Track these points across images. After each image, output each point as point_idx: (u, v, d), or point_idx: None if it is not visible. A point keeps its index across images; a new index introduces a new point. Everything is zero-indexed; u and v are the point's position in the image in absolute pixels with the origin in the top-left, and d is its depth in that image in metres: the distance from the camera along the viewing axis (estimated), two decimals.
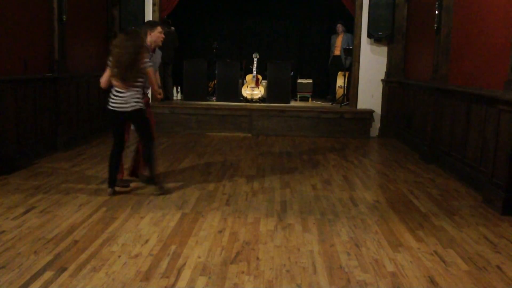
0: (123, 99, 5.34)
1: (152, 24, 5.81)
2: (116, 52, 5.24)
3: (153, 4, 10.08)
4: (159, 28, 5.72)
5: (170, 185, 5.93)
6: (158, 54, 5.97)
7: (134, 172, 6.12)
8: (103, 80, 5.41)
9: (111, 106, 5.38)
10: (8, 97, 6.41)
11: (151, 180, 5.74)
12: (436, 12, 7.51)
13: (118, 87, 5.35)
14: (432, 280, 3.56)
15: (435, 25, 7.58)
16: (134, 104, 5.38)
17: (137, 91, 5.40)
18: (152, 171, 5.70)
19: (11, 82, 6.50)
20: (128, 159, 6.25)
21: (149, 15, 10.06)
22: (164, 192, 5.61)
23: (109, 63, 5.31)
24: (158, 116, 9.96)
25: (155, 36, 5.70)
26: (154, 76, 5.55)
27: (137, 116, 5.47)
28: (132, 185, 5.90)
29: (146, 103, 5.73)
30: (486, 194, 5.52)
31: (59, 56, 7.75)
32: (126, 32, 5.42)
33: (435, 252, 4.09)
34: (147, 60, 5.39)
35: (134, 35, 5.33)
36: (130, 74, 5.26)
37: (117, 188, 5.60)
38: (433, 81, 7.67)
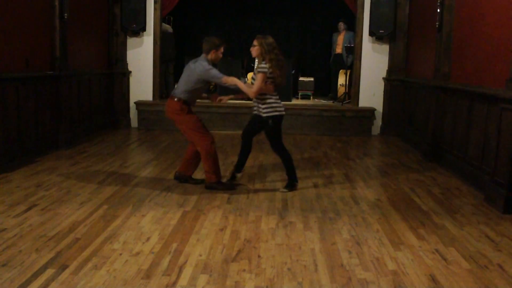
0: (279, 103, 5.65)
1: (218, 45, 5.66)
2: (279, 55, 5.49)
3: (155, 2, 10.08)
4: (222, 48, 5.70)
5: (171, 183, 5.93)
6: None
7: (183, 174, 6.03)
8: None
9: (280, 111, 5.63)
10: (9, 95, 6.41)
11: (292, 184, 5.87)
12: (438, 10, 7.49)
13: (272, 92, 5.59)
14: (433, 279, 3.56)
15: (437, 23, 7.56)
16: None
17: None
18: (292, 174, 5.89)
19: (12, 80, 6.50)
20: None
21: (150, 13, 10.06)
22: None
23: (268, 67, 5.43)
24: (159, 113, 9.98)
25: (218, 54, 5.67)
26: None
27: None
28: (133, 182, 5.91)
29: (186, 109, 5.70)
30: (488, 192, 5.51)
31: (61, 54, 7.75)
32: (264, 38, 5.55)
33: (437, 250, 4.09)
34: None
35: (269, 38, 5.54)
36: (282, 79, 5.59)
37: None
38: (434, 79, 7.66)
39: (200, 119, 5.82)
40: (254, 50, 5.57)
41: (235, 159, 7.33)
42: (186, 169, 5.97)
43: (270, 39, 5.50)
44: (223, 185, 5.79)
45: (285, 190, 5.77)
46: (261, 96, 5.54)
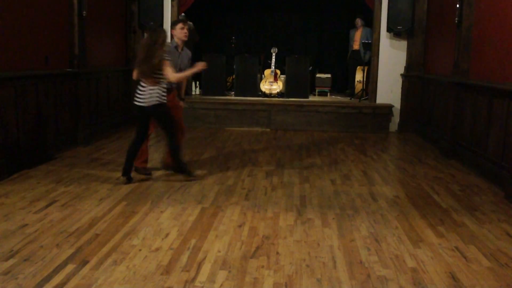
0: (144, 94, 5.58)
1: (173, 23, 6.10)
2: (136, 48, 5.52)
3: None
4: (180, 25, 5.99)
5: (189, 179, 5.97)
6: (186, 52, 6.20)
7: (167, 165, 6.29)
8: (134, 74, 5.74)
9: (136, 101, 5.64)
10: (29, 92, 6.48)
11: (179, 169, 5.96)
12: (457, 5, 7.42)
13: (142, 82, 5.61)
14: (453, 276, 3.53)
15: (456, 19, 7.49)
16: (154, 99, 5.54)
17: (158, 86, 5.55)
18: (178, 161, 5.92)
19: (32, 77, 6.57)
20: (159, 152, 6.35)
21: (167, 11, 10.09)
22: (195, 177, 5.95)
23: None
24: None
25: (177, 33, 6.01)
26: (171, 71, 5.58)
27: (157, 112, 5.62)
28: (151, 178, 5.94)
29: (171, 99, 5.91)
30: (508, 189, 5.45)
31: (79, 51, 7.81)
32: (148, 30, 5.67)
33: (456, 248, 4.06)
34: (164, 54, 5.53)
35: (151, 31, 5.69)
36: (145, 68, 5.51)
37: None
38: (453, 75, 7.58)
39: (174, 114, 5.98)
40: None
41: (252, 155, 7.36)
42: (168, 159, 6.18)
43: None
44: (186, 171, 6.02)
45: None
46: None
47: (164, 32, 5.66)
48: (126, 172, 5.75)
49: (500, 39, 6.24)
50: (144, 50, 5.56)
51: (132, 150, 5.77)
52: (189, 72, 5.89)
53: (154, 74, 5.52)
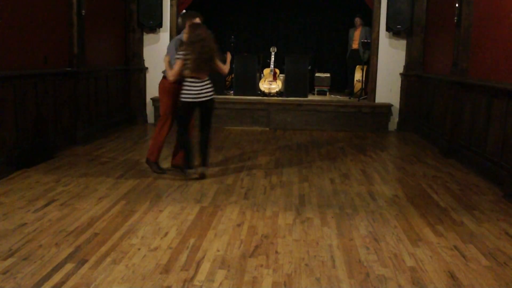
0: (204, 88, 5.80)
1: (188, 16, 5.98)
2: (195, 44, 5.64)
3: None
4: (198, 19, 5.94)
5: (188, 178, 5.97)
6: None
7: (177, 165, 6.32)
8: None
9: (197, 97, 5.76)
10: (28, 92, 6.48)
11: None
12: (457, 5, 7.42)
13: (194, 77, 5.73)
14: (452, 275, 3.54)
15: (455, 18, 7.49)
16: (212, 92, 5.90)
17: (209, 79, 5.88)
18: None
19: (31, 76, 6.57)
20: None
21: (167, 9, 10.09)
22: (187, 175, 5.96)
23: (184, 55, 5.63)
24: None
25: None
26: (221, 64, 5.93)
27: (212, 104, 5.95)
28: (150, 178, 5.95)
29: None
30: (507, 189, 5.46)
31: (78, 50, 7.81)
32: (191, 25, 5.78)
33: (455, 247, 4.06)
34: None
35: (200, 25, 5.82)
36: (206, 62, 5.74)
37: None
38: (452, 74, 7.59)
39: (172, 106, 6.06)
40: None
41: (251, 154, 7.36)
42: (179, 160, 6.18)
43: (199, 30, 5.72)
44: (159, 168, 6.18)
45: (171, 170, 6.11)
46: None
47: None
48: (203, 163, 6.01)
49: (499, 38, 6.24)
50: (200, 45, 5.62)
51: (187, 144, 5.94)
52: (228, 64, 6.10)
53: (210, 67, 5.75)
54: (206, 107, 5.85)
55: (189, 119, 5.94)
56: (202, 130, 5.99)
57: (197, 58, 5.61)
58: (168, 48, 6.07)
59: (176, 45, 5.86)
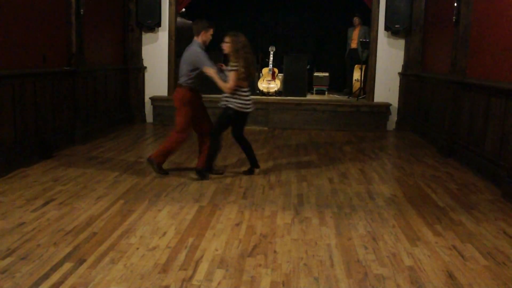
0: (250, 99, 5.91)
1: (207, 25, 5.93)
2: (248, 54, 5.75)
3: None
4: (211, 30, 5.96)
5: (187, 178, 5.96)
6: None
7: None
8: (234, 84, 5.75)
9: (247, 108, 5.87)
10: (27, 91, 6.47)
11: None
12: (455, 4, 7.43)
13: (243, 87, 5.82)
14: (450, 275, 3.54)
15: (454, 18, 7.49)
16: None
17: None
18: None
19: (30, 75, 6.56)
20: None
21: (165, 9, 10.08)
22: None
23: (237, 66, 5.65)
24: (175, 109, 9.99)
25: (208, 36, 5.96)
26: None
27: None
28: (148, 177, 5.95)
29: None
30: (505, 188, 5.46)
31: (77, 49, 7.80)
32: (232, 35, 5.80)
33: (454, 246, 4.06)
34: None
35: (240, 34, 5.84)
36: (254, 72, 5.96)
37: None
38: (451, 74, 7.59)
39: (193, 117, 6.04)
40: (226, 47, 5.78)
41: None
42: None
43: (242, 38, 5.76)
44: (160, 169, 6.11)
45: (196, 176, 5.96)
46: (235, 90, 5.80)
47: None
48: (255, 164, 6.22)
49: (498, 38, 6.24)
50: (251, 54, 5.81)
51: (248, 149, 6.13)
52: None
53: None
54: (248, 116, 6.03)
55: (228, 126, 6.05)
56: (242, 136, 6.15)
57: (247, 66, 5.70)
58: (204, 60, 5.78)
59: (206, 55, 5.84)
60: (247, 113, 5.92)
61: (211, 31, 5.93)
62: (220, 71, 5.87)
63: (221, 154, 7.23)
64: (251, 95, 6.00)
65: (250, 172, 6.22)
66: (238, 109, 5.80)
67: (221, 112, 5.93)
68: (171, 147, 6.06)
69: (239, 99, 5.78)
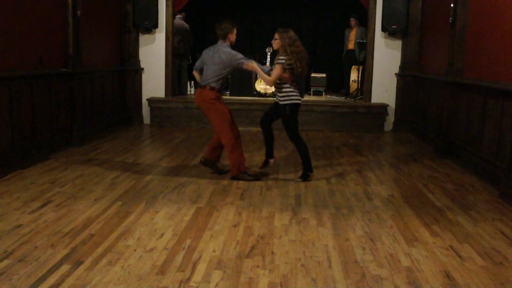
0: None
1: (230, 26, 5.97)
2: (299, 48, 5.85)
3: None
4: (235, 30, 6.03)
5: (184, 179, 5.96)
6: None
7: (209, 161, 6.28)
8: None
9: (299, 100, 5.99)
10: (24, 92, 6.46)
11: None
12: (452, 5, 7.44)
13: (290, 83, 5.92)
14: (448, 275, 3.54)
15: (450, 18, 7.51)
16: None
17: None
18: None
19: (26, 77, 6.55)
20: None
21: (162, 10, 10.08)
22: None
23: (287, 59, 5.74)
24: (172, 110, 10.02)
25: (233, 36, 6.03)
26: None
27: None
28: (146, 179, 5.95)
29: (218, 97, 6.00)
30: (502, 188, 5.47)
31: (74, 51, 7.79)
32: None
33: (451, 247, 4.07)
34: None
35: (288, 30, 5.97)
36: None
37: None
38: (448, 75, 7.60)
39: (230, 113, 6.06)
40: (275, 43, 5.89)
41: (247, 155, 7.36)
42: (211, 155, 6.21)
43: (291, 33, 5.88)
44: (248, 175, 6.04)
45: (299, 180, 6.01)
46: (279, 85, 5.87)
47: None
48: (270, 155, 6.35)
49: (494, 38, 6.26)
50: (303, 54, 5.87)
51: (304, 154, 6.11)
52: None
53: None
54: None
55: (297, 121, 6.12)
56: (270, 126, 6.34)
57: (298, 60, 5.80)
58: (241, 57, 5.88)
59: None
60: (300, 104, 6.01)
61: (235, 31, 6.00)
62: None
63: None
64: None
65: (265, 164, 6.31)
66: (294, 102, 5.90)
67: (283, 114, 5.98)
68: (235, 153, 5.94)
69: (292, 93, 5.88)
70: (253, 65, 5.86)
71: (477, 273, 3.60)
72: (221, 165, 6.33)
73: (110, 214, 4.70)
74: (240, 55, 5.88)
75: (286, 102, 5.86)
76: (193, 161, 6.93)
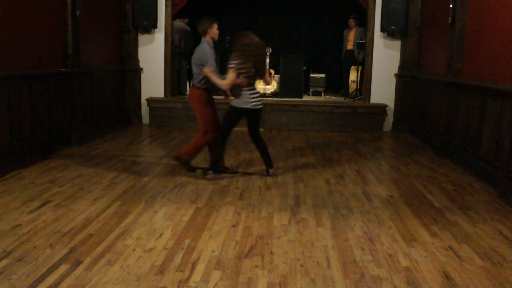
0: (258, 96, 6.03)
1: (209, 22, 6.05)
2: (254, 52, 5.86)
3: None
4: (216, 24, 6.08)
5: (183, 179, 5.96)
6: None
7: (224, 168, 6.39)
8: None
9: (258, 104, 5.99)
10: (23, 92, 6.46)
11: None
12: (451, 5, 7.44)
13: (250, 85, 5.97)
14: (447, 276, 3.55)
15: (449, 19, 7.51)
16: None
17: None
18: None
19: (26, 77, 6.55)
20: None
21: (161, 10, 10.07)
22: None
23: (237, 63, 5.78)
24: (171, 110, 10.02)
25: (215, 32, 6.09)
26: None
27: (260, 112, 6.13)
28: (145, 179, 5.95)
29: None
30: (501, 189, 5.48)
31: (73, 51, 7.78)
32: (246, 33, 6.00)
33: (450, 247, 4.07)
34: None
35: (249, 34, 6.01)
36: (264, 69, 6.10)
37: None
38: (447, 75, 7.61)
39: (214, 115, 6.16)
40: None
41: (246, 155, 7.38)
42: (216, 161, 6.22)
43: (248, 37, 5.91)
44: (189, 166, 6.28)
45: (207, 173, 6.07)
46: (235, 89, 5.96)
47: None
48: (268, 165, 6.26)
49: (493, 39, 6.26)
50: (260, 52, 5.93)
51: (220, 152, 6.10)
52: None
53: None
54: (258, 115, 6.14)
55: (235, 123, 6.13)
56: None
57: (254, 64, 5.84)
58: (209, 59, 5.88)
59: (213, 53, 5.96)
60: (250, 110, 5.95)
61: (216, 26, 6.03)
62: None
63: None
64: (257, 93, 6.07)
65: (266, 173, 6.28)
66: (237, 105, 5.92)
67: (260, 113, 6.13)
68: (199, 146, 6.18)
69: (243, 96, 5.89)
70: (208, 71, 5.84)
71: (476, 273, 3.60)
72: (229, 167, 6.44)
73: (109, 214, 4.70)
74: (208, 58, 5.86)
75: (233, 104, 5.98)
76: (192, 161, 6.92)
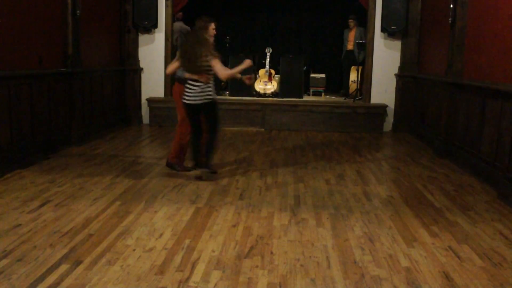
0: (196, 91, 5.74)
1: (205, 22, 5.98)
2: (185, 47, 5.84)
3: None
4: (212, 24, 5.99)
5: (183, 179, 5.95)
6: None
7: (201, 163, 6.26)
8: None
9: (185, 99, 5.77)
10: (23, 92, 6.46)
11: (207, 165, 5.98)
12: (451, 6, 7.44)
13: (193, 80, 5.75)
14: (447, 276, 3.54)
15: (449, 19, 7.51)
16: (207, 96, 5.76)
17: (211, 83, 5.76)
18: (211, 158, 6.10)
19: (26, 77, 6.55)
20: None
21: (162, 10, 10.08)
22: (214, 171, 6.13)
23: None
24: (171, 110, 10.00)
25: (210, 32, 5.98)
26: (222, 68, 5.79)
27: (208, 108, 5.82)
28: (145, 178, 5.94)
29: None
30: (501, 189, 5.47)
31: (73, 51, 7.79)
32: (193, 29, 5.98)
33: (450, 247, 4.07)
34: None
35: (198, 23, 5.88)
36: (198, 64, 5.66)
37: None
38: (447, 75, 7.61)
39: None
40: None
41: (247, 155, 7.37)
42: (197, 160, 6.15)
43: (194, 26, 5.92)
44: (184, 168, 6.23)
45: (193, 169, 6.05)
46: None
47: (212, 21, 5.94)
48: (200, 165, 5.97)
49: (493, 39, 6.26)
50: (194, 46, 5.72)
51: (195, 145, 5.98)
52: (237, 69, 5.94)
53: (207, 71, 5.68)
54: (203, 110, 5.86)
55: (193, 120, 5.93)
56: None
57: (188, 60, 5.77)
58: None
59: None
60: (190, 105, 5.78)
61: (212, 26, 5.95)
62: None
63: (218, 156, 7.24)
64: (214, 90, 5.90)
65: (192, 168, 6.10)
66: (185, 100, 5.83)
67: (209, 109, 5.92)
68: (180, 143, 6.17)
69: (185, 91, 5.80)
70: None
71: (476, 273, 3.60)
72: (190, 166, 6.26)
73: (109, 213, 4.70)
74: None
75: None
76: (192, 161, 6.92)
